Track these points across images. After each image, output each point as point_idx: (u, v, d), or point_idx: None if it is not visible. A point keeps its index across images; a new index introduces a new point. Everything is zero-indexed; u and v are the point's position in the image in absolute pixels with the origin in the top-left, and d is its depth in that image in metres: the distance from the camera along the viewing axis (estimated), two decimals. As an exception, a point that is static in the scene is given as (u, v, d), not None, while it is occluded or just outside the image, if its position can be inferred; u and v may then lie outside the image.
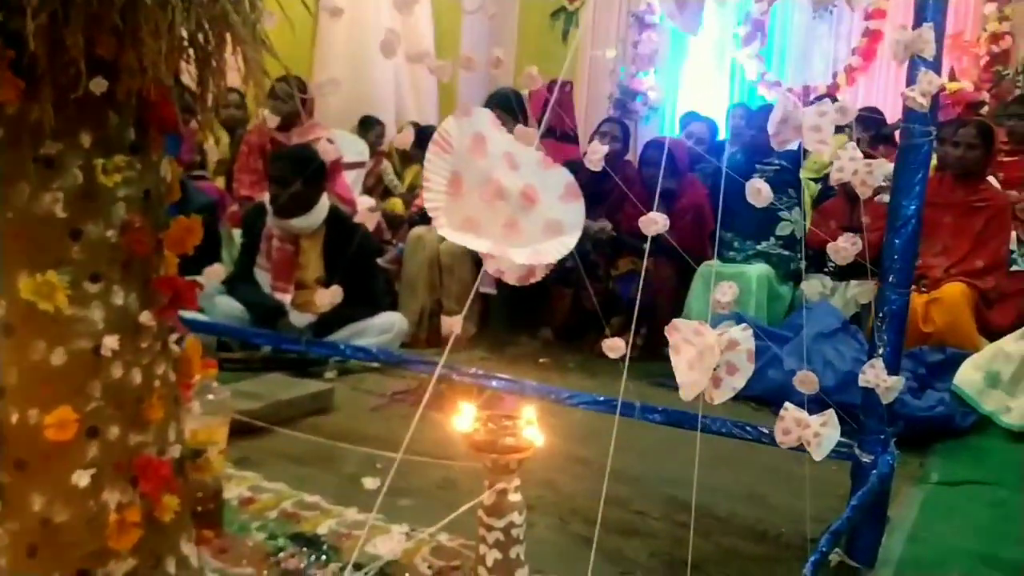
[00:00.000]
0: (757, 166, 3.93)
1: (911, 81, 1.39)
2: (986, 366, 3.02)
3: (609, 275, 3.92)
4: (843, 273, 3.70)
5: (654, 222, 1.90)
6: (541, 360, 3.65)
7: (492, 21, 6.12)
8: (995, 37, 4.88)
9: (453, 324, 2.04)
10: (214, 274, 2.32)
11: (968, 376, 3.03)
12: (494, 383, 2.09)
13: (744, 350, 0.91)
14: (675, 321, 0.96)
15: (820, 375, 3.09)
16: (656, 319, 3.74)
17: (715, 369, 0.94)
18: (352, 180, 4.34)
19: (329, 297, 2.24)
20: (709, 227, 3.93)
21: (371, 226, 2.83)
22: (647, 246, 1.51)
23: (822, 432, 1.07)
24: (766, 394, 3.14)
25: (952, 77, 4.58)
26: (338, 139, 4.11)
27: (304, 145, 3.75)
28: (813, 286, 3.89)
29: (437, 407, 2.61)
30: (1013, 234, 3.76)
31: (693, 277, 3.79)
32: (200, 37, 1.01)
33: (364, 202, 4.74)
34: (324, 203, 3.14)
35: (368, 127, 5.08)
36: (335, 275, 3.13)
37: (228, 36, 1.01)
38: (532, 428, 1.33)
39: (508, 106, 3.73)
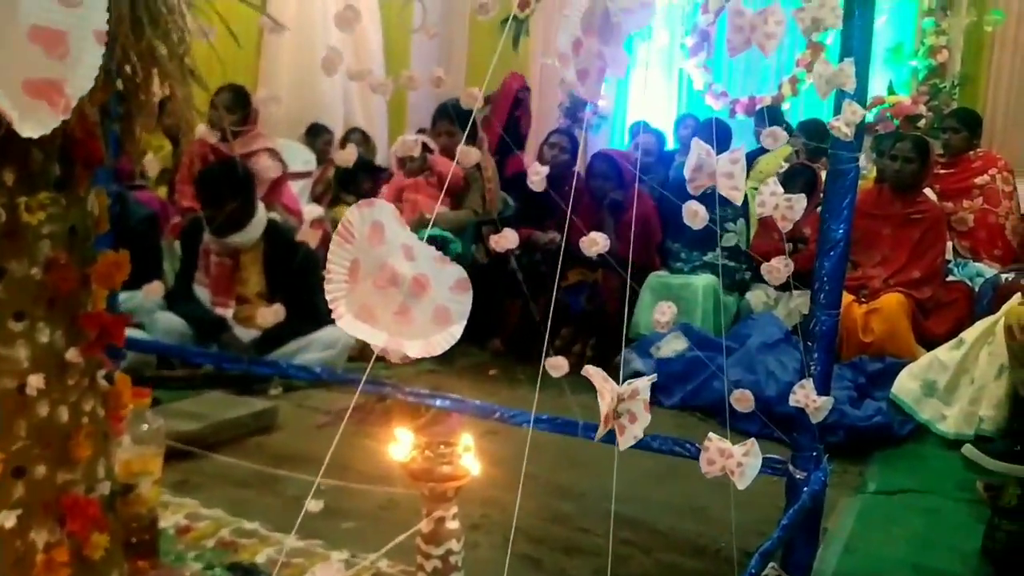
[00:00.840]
0: (703, 178, 4.00)
1: (837, 109, 1.43)
2: (922, 375, 3.11)
3: (559, 286, 3.94)
4: (786, 283, 3.77)
5: (595, 242, 1.92)
6: (491, 372, 3.66)
7: (442, 29, 6.12)
8: (933, 50, 5.03)
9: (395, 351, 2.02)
10: (152, 291, 2.29)
11: (905, 385, 3.11)
12: (439, 402, 2.08)
13: (641, 400, 0.92)
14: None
15: (763, 386, 3.18)
16: (605, 330, 3.79)
17: (619, 417, 0.95)
18: (299, 190, 4.29)
19: (271, 316, 2.22)
20: (656, 238, 3.98)
21: (315, 241, 2.80)
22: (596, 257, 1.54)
23: (745, 462, 1.09)
24: (712, 405, 3.20)
25: (891, 90, 4.71)
26: (284, 148, 4.07)
27: (245, 156, 3.70)
28: (758, 296, 4.02)
29: (383, 423, 2.62)
30: (949, 244, 3.90)
31: (641, 288, 3.85)
32: (128, 69, 1.00)
33: (311, 211, 4.70)
34: (261, 217, 3.09)
35: (316, 134, 5.02)
36: (277, 289, 3.10)
37: (155, 71, 0.99)
38: (469, 455, 1.33)
39: (457, 117, 3.74)
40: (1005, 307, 2.90)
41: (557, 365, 1.86)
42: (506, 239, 1.93)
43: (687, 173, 1.10)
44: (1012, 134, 4.95)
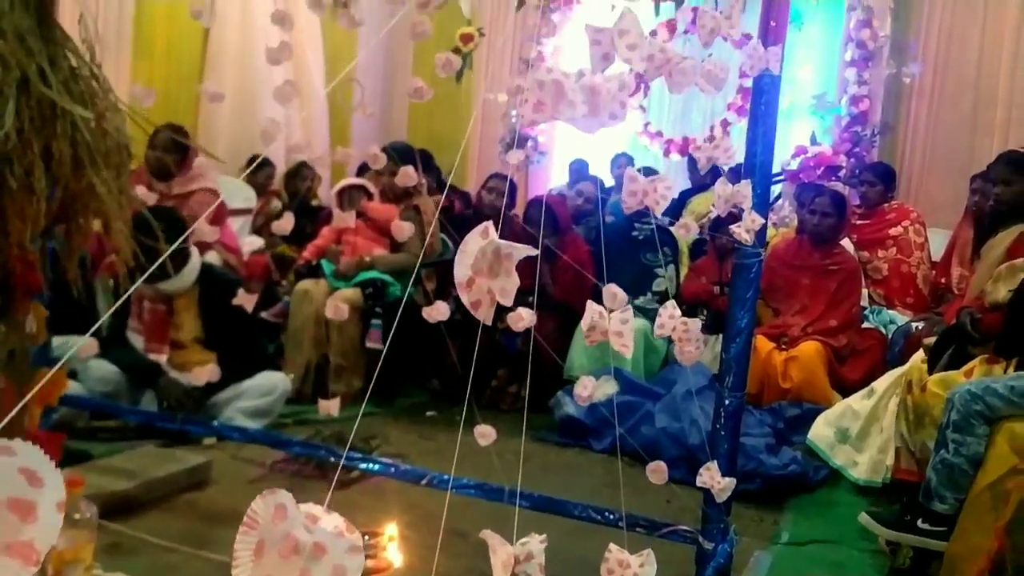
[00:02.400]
0: (636, 224, 4.15)
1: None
2: (836, 422, 3.28)
3: (496, 328, 4.03)
4: (714, 327, 3.93)
5: (521, 318, 2.01)
6: (428, 413, 3.72)
7: (386, 62, 6.19)
8: (855, 100, 5.29)
9: (330, 407, 2.08)
10: (86, 351, 2.30)
11: (820, 431, 3.28)
12: (369, 466, 2.14)
13: (536, 563, 0.99)
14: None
15: (687, 433, 3.32)
16: (539, 373, 3.89)
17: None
18: (239, 227, 4.30)
19: (206, 375, 2.25)
20: (590, 282, 4.10)
21: (250, 305, 2.79)
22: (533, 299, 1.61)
23: (641, 572, 1.18)
24: (641, 450, 3.32)
25: (813, 140, 4.94)
26: (223, 186, 4.07)
27: (184, 196, 3.70)
28: (686, 340, 4.15)
29: (318, 476, 2.66)
30: (864, 292, 4.11)
31: (575, 331, 3.96)
32: (69, 202, 1.05)
33: (252, 242, 4.70)
34: (195, 263, 3.10)
35: (257, 167, 5.03)
36: (213, 334, 3.11)
37: (92, 204, 1.05)
38: (393, 546, 1.40)
39: (401, 158, 3.79)
40: (911, 360, 3.09)
41: (484, 433, 1.93)
42: (438, 311, 2.00)
43: (623, 196, 1.17)
44: (927, 181, 5.22)
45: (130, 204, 1.10)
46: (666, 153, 5.88)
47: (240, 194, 4.50)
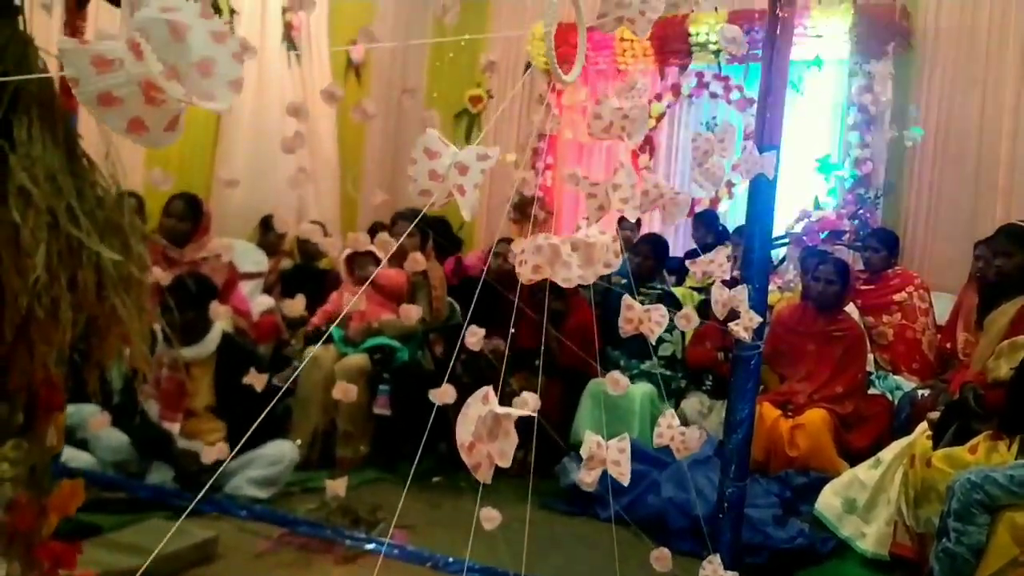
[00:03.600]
0: (641, 290, 4.20)
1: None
2: (843, 492, 3.27)
3: (502, 392, 4.06)
4: (719, 392, 3.94)
5: (526, 403, 2.05)
6: (435, 479, 3.73)
7: (399, 121, 6.33)
8: (858, 162, 5.36)
9: (337, 488, 2.11)
10: (98, 425, 2.34)
11: (828, 501, 3.27)
12: (372, 546, 2.16)
13: None
14: None
15: (693, 504, 3.31)
16: (546, 437, 3.90)
17: None
18: (249, 291, 4.36)
19: (215, 454, 2.29)
20: (596, 346, 4.14)
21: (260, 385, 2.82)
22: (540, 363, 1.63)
23: None
24: (645, 519, 3.32)
25: (816, 204, 5.00)
26: (235, 249, 4.15)
27: (196, 262, 3.78)
28: (692, 405, 4.19)
29: (325, 549, 2.67)
30: (870, 357, 4.12)
31: (582, 395, 3.98)
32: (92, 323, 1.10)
33: (263, 302, 4.76)
34: (217, 331, 3.17)
35: (269, 227, 5.11)
36: (226, 403, 3.16)
37: (114, 327, 1.10)
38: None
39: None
40: (916, 432, 3.10)
41: (489, 517, 1.96)
42: (476, 336, 2.04)
43: (622, 323, 1.21)
44: (931, 245, 5.27)
45: (150, 323, 1.15)
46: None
47: (251, 257, 4.58)
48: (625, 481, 1.12)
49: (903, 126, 5.34)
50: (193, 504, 1.01)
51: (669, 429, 1.34)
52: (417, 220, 3.20)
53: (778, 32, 1.60)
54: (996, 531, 1.85)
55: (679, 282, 4.96)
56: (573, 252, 0.87)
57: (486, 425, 0.76)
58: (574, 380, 3.90)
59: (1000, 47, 5.28)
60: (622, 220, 5.66)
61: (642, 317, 1.20)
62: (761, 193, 1.63)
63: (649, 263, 4.20)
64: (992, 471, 1.97)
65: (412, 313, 2.09)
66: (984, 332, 3.17)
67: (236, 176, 5.23)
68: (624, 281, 4.50)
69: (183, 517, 2.65)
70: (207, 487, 0.95)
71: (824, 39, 5.34)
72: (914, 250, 5.28)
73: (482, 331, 2.00)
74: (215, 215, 4.34)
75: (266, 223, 5.11)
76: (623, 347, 4.12)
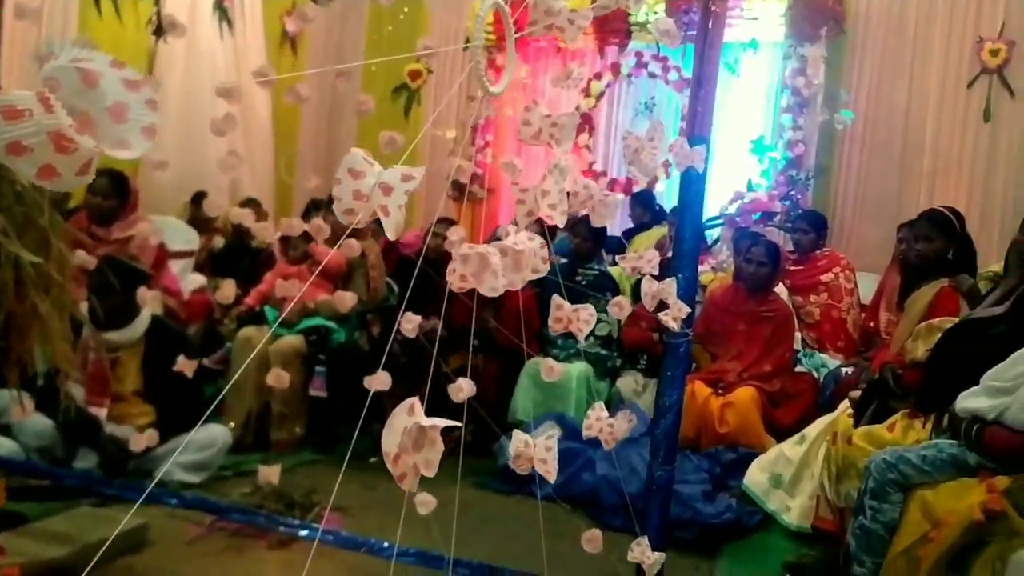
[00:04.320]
0: (580, 271, 4.24)
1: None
2: (770, 468, 3.38)
3: (440, 372, 4.06)
4: (654, 371, 4.02)
5: (460, 390, 2.06)
6: (371, 460, 3.72)
7: (335, 97, 6.21)
8: (790, 144, 5.48)
9: (270, 475, 2.09)
10: (20, 414, 2.27)
11: (755, 477, 3.38)
12: (307, 532, 2.16)
13: None
14: None
15: (626, 481, 3.38)
16: (482, 417, 3.92)
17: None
18: (180, 270, 4.26)
19: (144, 442, 2.24)
20: (535, 326, 4.17)
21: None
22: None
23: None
24: (580, 496, 3.38)
25: (750, 186, 5.11)
26: (165, 228, 4.04)
27: (123, 241, 3.67)
28: (627, 383, 4.25)
29: (258, 535, 2.65)
30: (797, 336, 4.25)
31: (520, 374, 4.01)
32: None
33: (194, 279, 4.66)
34: (145, 314, 3.09)
35: (200, 203, 4.98)
36: (154, 387, 3.08)
37: (35, 325, 1.07)
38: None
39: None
40: (838, 410, 3.21)
41: (424, 502, 1.97)
42: (411, 323, 2.03)
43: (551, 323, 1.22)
44: (858, 226, 5.44)
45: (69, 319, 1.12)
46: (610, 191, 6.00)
47: (181, 235, 4.46)
48: (551, 479, 1.14)
49: (834, 110, 5.47)
50: (141, 499, 0.99)
51: (598, 421, 1.37)
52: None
53: (710, 25, 1.62)
54: (908, 508, 1.94)
55: (617, 261, 5.01)
56: (502, 259, 0.87)
57: (411, 436, 0.77)
58: (512, 359, 3.92)
59: (927, 35, 5.45)
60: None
61: (571, 316, 1.21)
62: (691, 184, 1.66)
63: (587, 244, 4.24)
64: (906, 451, 2.06)
65: (347, 300, 2.07)
66: (904, 313, 3.29)
67: (166, 152, 5.07)
68: (564, 260, 4.54)
69: (136, 503, 2.59)
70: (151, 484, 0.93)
71: (760, 21, 5.43)
72: (842, 231, 5.44)
73: (417, 318, 1.99)
74: (143, 192, 4.21)
75: (197, 200, 4.97)
76: (560, 327, 4.15)
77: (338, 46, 6.50)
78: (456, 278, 0.87)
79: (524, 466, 1.10)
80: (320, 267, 3.67)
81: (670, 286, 1.46)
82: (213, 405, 1.29)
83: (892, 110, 5.50)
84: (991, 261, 3.94)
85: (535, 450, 1.08)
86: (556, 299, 1.20)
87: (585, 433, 1.41)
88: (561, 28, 0.97)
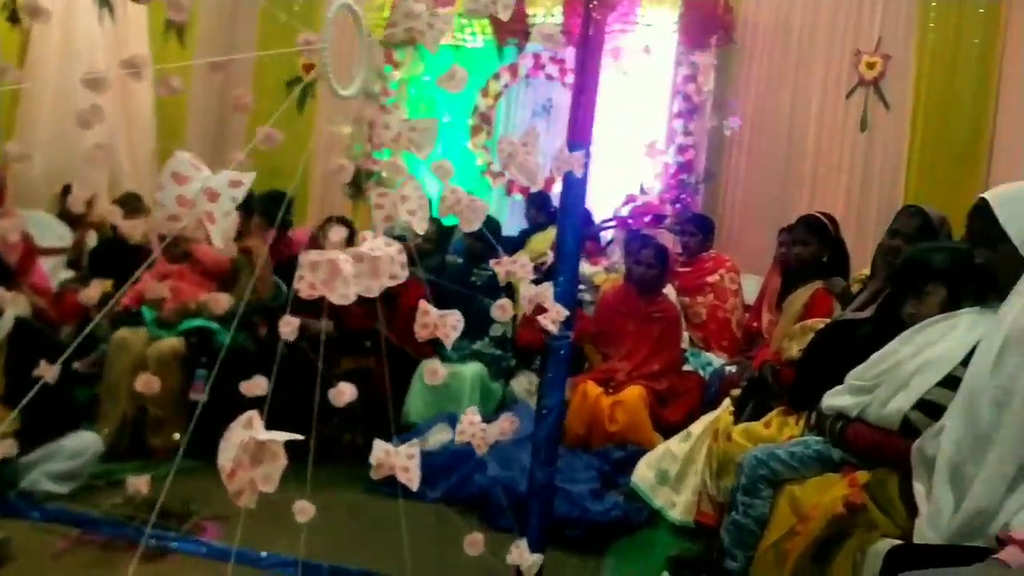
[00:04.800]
0: (474, 271, 4.23)
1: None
2: (657, 464, 3.46)
3: (331, 374, 3.98)
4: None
5: (342, 394, 2.01)
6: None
7: (222, 89, 5.99)
8: (681, 149, 5.63)
9: (139, 485, 1.98)
10: None
11: (642, 473, 3.45)
12: (180, 544, 2.06)
13: None
14: None
15: (517, 481, 3.39)
16: (375, 418, 3.86)
17: None
18: (51, 267, 4.01)
19: (5, 449, 2.09)
20: (428, 326, 4.13)
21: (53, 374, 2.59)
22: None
23: None
24: (473, 498, 3.37)
25: (642, 189, 5.22)
26: (35, 223, 3.81)
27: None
28: (521, 383, 4.27)
29: (127, 547, 2.52)
30: (685, 335, 4.37)
31: (413, 376, 3.97)
32: None
33: (66, 278, 4.40)
34: (8, 317, 2.89)
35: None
36: (20, 393, 2.89)
37: None
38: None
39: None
40: (720, 408, 3.32)
41: (303, 510, 1.91)
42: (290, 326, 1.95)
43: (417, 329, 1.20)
44: (745, 229, 5.64)
45: None
46: (508, 192, 6.02)
47: (53, 231, 4.21)
48: (413, 487, 1.12)
49: (723, 116, 5.65)
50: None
51: (470, 425, 1.35)
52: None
53: (591, 32, 1.63)
54: (778, 503, 2.02)
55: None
56: (356, 265, 0.84)
57: (249, 451, 0.73)
58: (406, 361, 3.87)
59: (810, 46, 5.70)
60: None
61: (437, 322, 1.19)
62: (571, 188, 1.67)
63: (481, 244, 4.23)
64: (776, 448, 2.14)
65: (221, 301, 1.98)
66: (782, 314, 3.43)
67: (40, 144, 4.78)
68: (460, 261, 4.52)
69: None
70: None
71: (654, 28, 5.55)
72: (730, 234, 5.64)
73: (296, 320, 1.92)
74: (16, 185, 3.96)
75: (67, 193, 4.70)
76: (454, 327, 4.13)
77: (229, 37, 6.29)
78: (304, 285, 0.84)
79: (383, 474, 1.08)
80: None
81: (547, 290, 1.46)
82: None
83: (777, 118, 5.73)
84: (867, 264, 4.15)
85: (397, 458, 1.06)
86: (422, 304, 1.18)
87: (458, 439, 1.40)
88: (421, 32, 0.95)
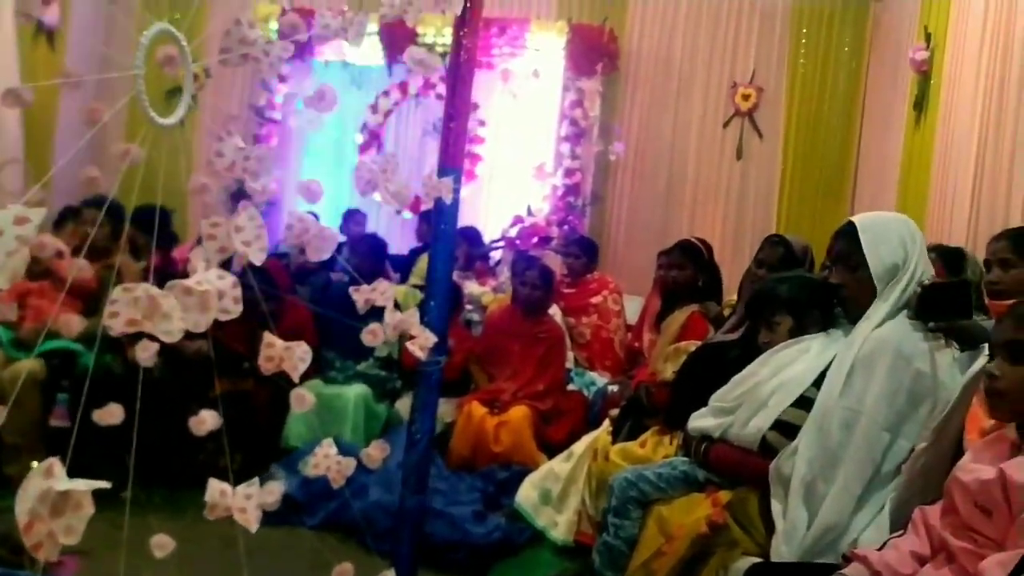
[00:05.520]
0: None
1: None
2: (540, 484, 3.47)
3: (206, 396, 3.83)
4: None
5: (203, 422, 1.93)
6: (122, 494, 3.42)
7: (99, 97, 5.71)
8: (569, 172, 5.75)
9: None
10: None
11: (526, 493, 3.46)
12: None
13: None
14: None
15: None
16: (254, 443, 3.73)
17: None
18: None
19: None
20: (312, 346, 4.03)
21: None
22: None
23: None
24: (352, 524, 3.30)
25: (529, 212, 5.30)
26: None
27: None
28: (406, 404, 4.22)
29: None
30: (570, 355, 4.44)
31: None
32: None
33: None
34: None
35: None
36: None
37: None
38: None
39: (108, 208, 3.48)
40: (600, 428, 3.38)
41: (161, 545, 1.82)
42: (110, 415, 1.87)
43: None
44: (629, 251, 5.81)
45: None
46: (398, 211, 5.98)
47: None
48: (252, 528, 1.09)
49: (608, 141, 5.81)
50: None
51: (325, 459, 1.33)
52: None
53: (461, 60, 1.64)
54: (647, 524, 2.07)
55: (403, 279, 5.00)
56: (184, 299, 0.81)
57: (48, 501, 0.69)
58: (286, 383, 3.76)
59: (690, 76, 5.94)
60: (352, 215, 5.60)
61: (283, 355, 1.17)
62: (441, 214, 1.67)
63: (368, 262, 4.18)
64: (644, 469, 2.20)
65: (72, 324, 1.87)
66: (660, 335, 3.53)
67: None
68: (346, 279, 4.45)
69: None
70: None
71: (541, 52, 5.65)
72: (615, 256, 5.78)
73: (155, 345, 1.84)
74: None
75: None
76: (338, 347, 4.07)
77: (105, 42, 6.00)
78: (119, 322, 0.80)
79: (219, 516, 1.04)
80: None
81: (412, 316, 1.45)
82: None
83: (660, 143, 5.93)
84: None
85: (234, 499, 1.03)
86: (267, 337, 1.15)
87: (312, 472, 1.37)
88: (256, 58, 0.93)
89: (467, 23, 1.62)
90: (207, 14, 6.07)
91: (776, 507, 1.89)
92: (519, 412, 3.81)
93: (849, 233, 1.98)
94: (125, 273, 3.59)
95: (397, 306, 1.56)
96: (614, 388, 4.02)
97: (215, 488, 1.02)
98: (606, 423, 3.30)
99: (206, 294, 0.84)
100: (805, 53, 5.80)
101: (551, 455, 3.66)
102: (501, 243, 5.02)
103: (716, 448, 2.09)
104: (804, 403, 1.97)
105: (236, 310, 0.92)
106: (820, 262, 3.07)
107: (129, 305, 0.79)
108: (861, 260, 1.93)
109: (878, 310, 1.90)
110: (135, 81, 0.88)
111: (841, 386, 1.87)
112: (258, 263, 0.98)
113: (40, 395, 3.26)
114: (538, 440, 3.85)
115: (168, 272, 4.28)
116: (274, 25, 5.49)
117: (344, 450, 3.77)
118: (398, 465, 3.45)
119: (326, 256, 1.09)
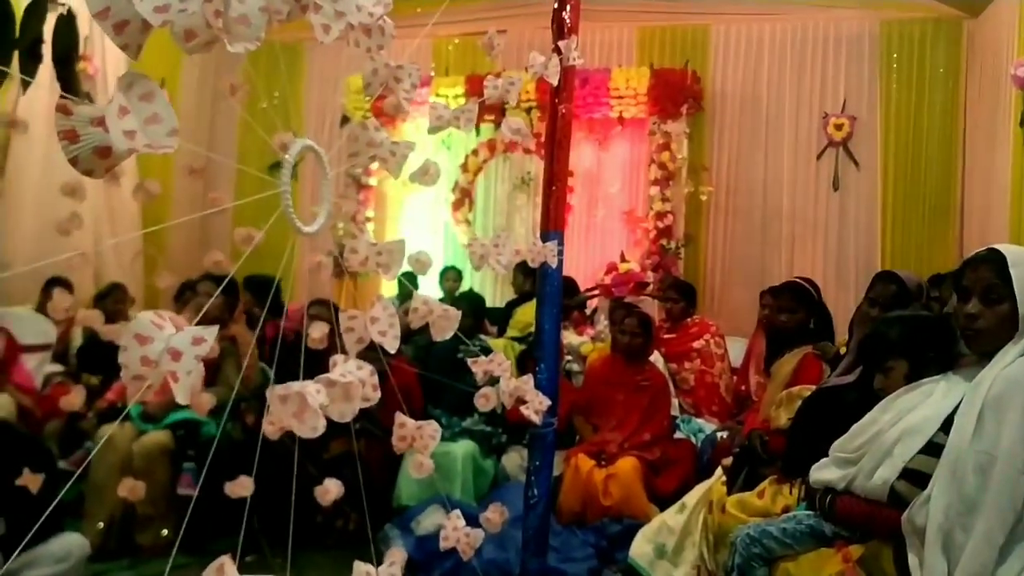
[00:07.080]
0: (461, 347, 4.23)
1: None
2: (654, 538, 3.41)
3: (321, 458, 3.94)
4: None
5: (328, 491, 2.00)
6: (248, 558, 3.54)
7: (209, 175, 6.07)
8: (660, 215, 5.73)
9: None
10: None
11: (640, 548, 3.39)
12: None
13: None
14: None
15: (513, 564, 3.34)
16: (368, 503, 3.80)
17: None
18: (35, 366, 3.99)
19: (-17, 565, 2.05)
20: (418, 405, 4.11)
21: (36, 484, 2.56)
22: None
23: None
24: (467, 582, 3.31)
25: (623, 258, 5.29)
26: (16, 320, 3.80)
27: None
28: (513, 460, 4.23)
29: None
30: (675, 402, 4.37)
31: (403, 458, 3.93)
32: None
33: (51, 371, 4.37)
34: (-8, 420, 2.88)
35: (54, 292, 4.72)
36: (3, 498, 2.85)
37: None
38: None
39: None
40: (713, 478, 3.30)
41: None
42: (241, 487, 1.95)
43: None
44: (727, 292, 5.72)
45: None
46: (492, 265, 6.07)
47: (34, 327, 4.19)
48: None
49: (697, 182, 5.78)
50: None
51: (454, 531, 1.35)
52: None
53: (558, 126, 1.68)
54: (773, 581, 2.00)
55: (501, 332, 5.05)
56: (328, 391, 0.86)
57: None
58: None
59: (778, 111, 5.87)
60: (447, 272, 5.73)
61: (415, 434, 1.20)
62: (547, 278, 1.70)
63: (468, 321, 4.24)
64: (768, 525, 2.13)
65: (204, 402, 1.98)
66: (771, 380, 3.44)
67: (25, 241, 4.81)
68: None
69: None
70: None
71: (624, 100, 5.70)
72: (713, 297, 5.70)
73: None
74: (6, 284, 3.97)
75: (49, 289, 4.71)
76: (444, 404, 4.12)
77: (210, 125, 6.40)
78: (273, 429, 0.85)
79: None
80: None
81: (526, 383, 1.48)
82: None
83: (751, 181, 5.86)
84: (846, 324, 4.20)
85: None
86: (399, 417, 1.19)
87: (443, 545, 1.39)
88: (384, 159, 0.98)
89: (562, 91, 1.66)
90: (303, 86, 6.38)
91: (913, 560, 1.80)
92: (627, 464, 3.75)
93: (995, 263, 1.83)
94: (240, 343, 3.76)
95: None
96: (723, 434, 3.93)
97: (360, 570, 1.05)
98: (718, 472, 3.22)
99: (350, 385, 0.89)
100: (897, 77, 5.66)
101: (662, 506, 3.59)
102: (596, 291, 5.01)
103: (842, 500, 2.01)
104: (932, 449, 1.87)
105: (375, 397, 0.96)
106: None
107: (280, 408, 0.84)
108: (1007, 294, 1.79)
109: (1010, 351, 1.80)
110: (282, 197, 0.94)
111: (972, 430, 1.77)
112: (392, 351, 1.02)
113: (168, 465, 3.42)
114: (647, 491, 3.78)
115: (274, 338, 4.46)
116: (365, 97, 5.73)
117: (464, 514, 3.81)
118: (511, 521, 3.49)
119: (449, 335, 1.13)
